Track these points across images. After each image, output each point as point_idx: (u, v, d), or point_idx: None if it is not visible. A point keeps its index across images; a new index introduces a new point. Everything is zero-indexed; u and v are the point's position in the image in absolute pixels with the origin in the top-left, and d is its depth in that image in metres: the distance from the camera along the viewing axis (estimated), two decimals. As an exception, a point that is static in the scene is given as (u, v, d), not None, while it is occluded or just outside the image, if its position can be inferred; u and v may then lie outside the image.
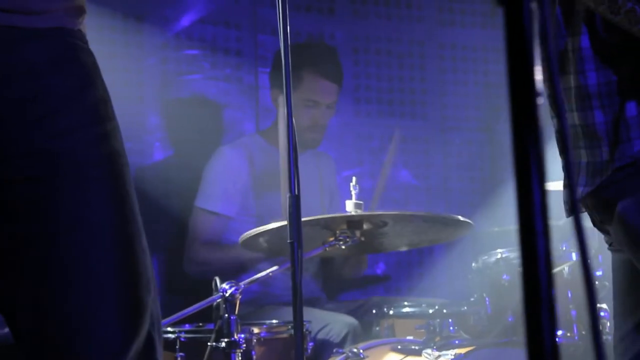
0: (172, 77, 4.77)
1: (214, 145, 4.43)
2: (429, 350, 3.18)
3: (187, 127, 4.74)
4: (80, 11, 1.80)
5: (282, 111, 4.33)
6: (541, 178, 0.98)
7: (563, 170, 2.26)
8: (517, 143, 0.99)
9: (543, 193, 0.97)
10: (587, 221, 3.39)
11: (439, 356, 3.13)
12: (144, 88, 4.70)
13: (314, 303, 4.27)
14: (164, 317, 3.32)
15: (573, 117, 2.21)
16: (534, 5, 0.98)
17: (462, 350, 3.10)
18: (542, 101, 1.00)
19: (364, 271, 4.52)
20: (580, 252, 0.99)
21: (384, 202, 5.02)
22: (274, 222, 3.38)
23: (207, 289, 3.36)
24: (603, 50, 2.16)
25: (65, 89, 1.72)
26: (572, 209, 2.26)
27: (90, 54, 1.79)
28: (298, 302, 2.87)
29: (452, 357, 3.06)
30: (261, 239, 3.49)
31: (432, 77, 5.31)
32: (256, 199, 4.31)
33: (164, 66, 4.75)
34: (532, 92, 0.99)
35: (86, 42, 1.80)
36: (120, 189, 1.74)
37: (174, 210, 4.57)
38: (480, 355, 3.12)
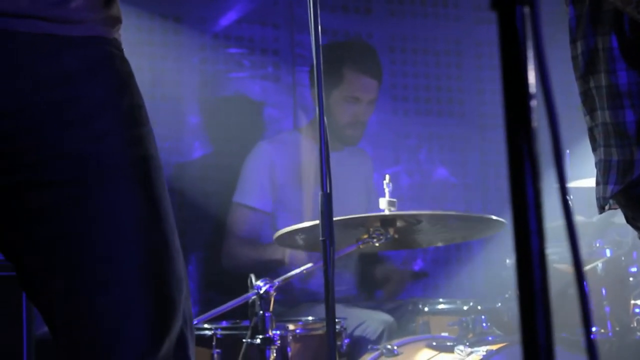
0: (211, 77, 4.82)
1: (253, 144, 4.47)
2: (461, 347, 3.20)
3: (225, 125, 4.79)
4: (116, 21, 1.85)
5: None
6: (535, 177, 1.00)
7: (596, 167, 2.27)
8: (511, 143, 1.02)
9: (537, 192, 1.00)
10: (621, 218, 3.40)
11: (471, 352, 3.15)
12: (183, 88, 4.75)
13: (351, 301, 4.29)
14: (203, 313, 3.37)
15: (604, 116, 2.22)
16: (526, 9, 1.00)
17: (494, 347, 3.11)
18: (536, 102, 1.03)
19: (399, 294, 4.52)
20: (571, 246, 1.01)
21: (421, 199, 5.05)
22: (310, 219, 3.42)
23: (244, 286, 3.41)
24: (632, 50, 2.17)
25: (99, 95, 1.76)
26: (603, 206, 2.27)
27: (125, 61, 1.83)
28: (330, 299, 2.91)
29: (484, 353, 3.08)
30: (296, 237, 3.53)
31: (469, 74, 5.32)
32: (294, 194, 4.34)
33: (203, 66, 4.80)
34: (525, 93, 1.02)
35: (121, 50, 1.84)
36: (152, 190, 1.77)
37: (213, 209, 4.62)
38: (511, 351, 3.13)
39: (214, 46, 4.80)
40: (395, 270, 4.56)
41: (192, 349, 1.80)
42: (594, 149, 2.29)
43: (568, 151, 4.05)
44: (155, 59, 4.64)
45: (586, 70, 2.26)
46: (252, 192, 4.34)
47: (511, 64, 1.02)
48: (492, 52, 5.35)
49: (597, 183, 2.29)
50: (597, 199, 2.31)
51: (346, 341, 3.54)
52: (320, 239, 2.84)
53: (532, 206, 1.00)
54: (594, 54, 2.23)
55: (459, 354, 3.18)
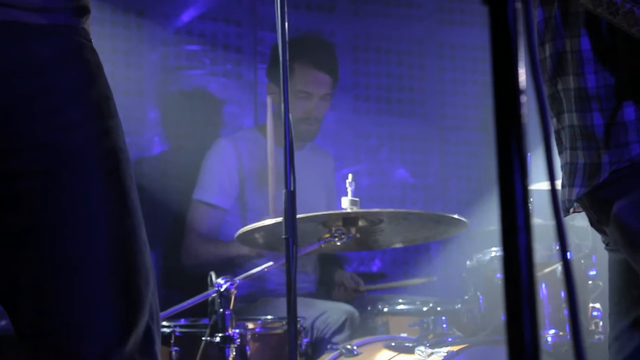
0: (172, 72, 4.79)
1: (213, 140, 4.45)
2: (422, 348, 3.19)
3: (186, 121, 4.76)
4: (85, 11, 1.84)
5: (271, 105, 4.34)
6: (523, 174, 0.99)
7: (561, 169, 2.28)
8: (500, 139, 1.01)
9: (525, 188, 0.99)
10: (584, 220, 3.42)
11: (432, 353, 3.15)
12: (144, 83, 4.72)
13: (309, 295, 4.28)
14: (161, 310, 3.33)
15: (572, 118, 2.22)
16: (518, 5, 0.99)
17: (455, 348, 3.11)
18: (526, 99, 1.02)
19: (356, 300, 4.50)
20: (560, 246, 1.00)
21: (381, 199, 5.04)
22: (270, 217, 3.40)
23: (204, 284, 3.38)
24: (604, 52, 2.17)
25: (70, 85, 1.75)
26: (568, 209, 2.28)
27: (94, 52, 1.83)
28: (292, 298, 2.89)
29: (445, 354, 3.08)
30: (257, 235, 3.50)
31: (431, 75, 5.33)
32: (252, 193, 4.32)
33: (165, 61, 4.76)
34: (515, 90, 1.01)
35: (90, 41, 1.84)
36: (122, 183, 1.77)
37: (172, 205, 4.59)
38: (472, 353, 3.13)
39: (176, 41, 4.77)
40: (351, 277, 4.53)
41: (159, 345, 1.80)
42: (560, 152, 2.30)
43: (529, 154, 4.06)
44: (117, 53, 4.60)
45: (554, 72, 2.26)
46: (211, 189, 4.32)
47: (502, 59, 1.01)
48: (454, 54, 5.37)
49: (563, 186, 2.30)
50: (562, 201, 2.31)
51: (305, 340, 3.53)
52: (283, 236, 2.83)
53: (520, 202, 0.99)
54: (562, 56, 2.23)
55: (419, 354, 3.18)
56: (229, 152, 4.35)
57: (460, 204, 5.13)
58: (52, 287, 1.70)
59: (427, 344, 3.21)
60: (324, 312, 3.93)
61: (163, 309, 3.51)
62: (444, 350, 3.10)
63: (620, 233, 2.17)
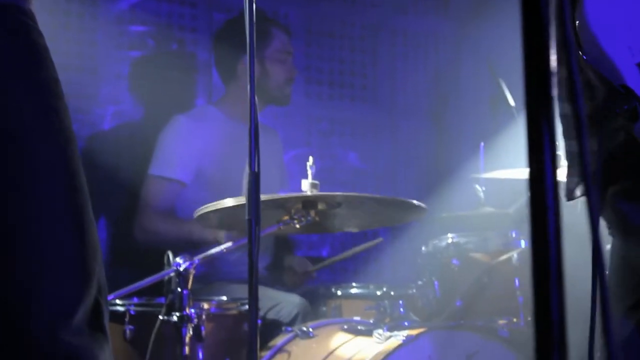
0: (125, 50, 4.74)
1: (166, 118, 4.41)
2: (380, 331, 3.21)
3: (139, 100, 4.72)
4: None
5: (244, 78, 4.33)
6: (553, 154, 1.00)
7: (566, 157, 2.30)
8: (531, 119, 1.01)
9: (554, 169, 1.00)
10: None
11: (390, 337, 3.16)
12: (97, 60, 4.66)
13: (261, 282, 4.26)
14: (112, 290, 3.31)
15: (564, 107, 2.24)
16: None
17: (414, 332, 3.13)
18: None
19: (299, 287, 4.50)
20: (592, 238, 1.01)
21: (331, 183, 5.05)
22: (227, 194, 3.38)
23: (155, 263, 3.36)
24: None
25: (17, 66, 1.75)
26: (571, 195, 2.30)
27: (40, 34, 1.84)
28: (254, 279, 2.89)
29: (404, 338, 3.09)
30: (214, 215, 3.49)
31: (383, 62, 5.35)
32: (210, 169, 4.30)
33: (119, 39, 4.72)
34: (546, 69, 1.02)
35: (36, 23, 1.84)
36: (69, 162, 1.78)
37: (123, 182, 4.55)
38: (431, 337, 3.16)
39: (130, 20, 4.73)
40: (299, 262, 4.53)
41: (107, 319, 1.81)
42: (567, 137, 2.32)
43: (482, 144, 4.11)
44: (70, 30, 4.54)
45: None
46: (168, 164, 4.28)
47: (533, 37, 1.01)
48: (407, 41, 5.40)
49: (570, 174, 2.31)
50: (567, 189, 2.33)
51: (258, 322, 3.52)
52: (246, 217, 2.82)
53: (550, 183, 1.00)
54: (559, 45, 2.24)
55: (377, 337, 3.19)
56: (187, 128, 4.32)
57: (410, 191, 5.15)
58: (2, 260, 1.70)
59: (385, 327, 3.22)
60: (276, 304, 3.91)
61: (112, 287, 3.48)
62: (402, 334, 3.12)
63: (615, 218, 2.21)
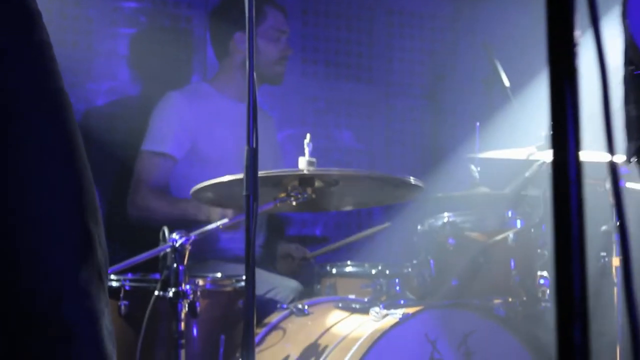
0: (121, 26, 4.72)
1: (161, 94, 4.39)
2: (376, 309, 3.21)
3: (134, 76, 4.70)
4: None
5: (239, 54, 4.32)
6: (576, 127, 1.00)
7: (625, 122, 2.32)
8: (554, 91, 1.01)
9: (578, 142, 1.00)
10: (538, 190, 3.46)
11: (387, 314, 3.17)
12: (92, 36, 4.64)
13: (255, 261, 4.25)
14: (110, 264, 3.29)
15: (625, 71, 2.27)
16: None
17: (410, 310, 3.13)
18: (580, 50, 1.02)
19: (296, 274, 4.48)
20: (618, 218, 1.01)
21: (326, 162, 5.04)
22: (220, 171, 3.37)
23: (150, 239, 3.36)
24: None
25: (10, 29, 1.74)
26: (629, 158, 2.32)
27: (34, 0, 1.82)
28: (251, 256, 2.88)
29: (400, 316, 3.10)
30: (210, 191, 3.48)
31: (379, 42, 5.34)
32: (202, 145, 4.28)
33: (113, 15, 4.69)
34: (570, 40, 1.01)
35: None
36: (67, 124, 1.77)
37: (118, 159, 4.54)
38: (428, 315, 3.16)
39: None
40: (296, 248, 4.52)
41: (107, 282, 1.80)
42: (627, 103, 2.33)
43: (478, 123, 4.11)
44: (66, 5, 4.52)
45: None
46: (161, 139, 4.26)
47: (557, 11, 1.01)
48: (403, 21, 5.38)
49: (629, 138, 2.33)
50: (626, 153, 2.35)
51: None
52: (244, 194, 2.81)
53: (572, 157, 1.00)
54: None
55: (374, 315, 3.19)
56: (180, 104, 4.31)
57: (405, 170, 5.14)
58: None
59: (382, 305, 3.23)
60: (272, 289, 3.90)
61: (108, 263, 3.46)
62: (399, 312, 3.12)
63: None
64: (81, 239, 1.74)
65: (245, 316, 2.87)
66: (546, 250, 3.56)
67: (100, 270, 1.76)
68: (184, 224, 4.03)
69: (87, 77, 4.62)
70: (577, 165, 1.00)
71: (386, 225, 4.22)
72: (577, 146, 1.00)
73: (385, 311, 3.18)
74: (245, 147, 2.82)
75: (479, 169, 3.85)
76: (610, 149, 1.00)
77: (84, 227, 1.74)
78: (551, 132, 1.01)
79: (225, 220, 3.30)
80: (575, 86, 1.00)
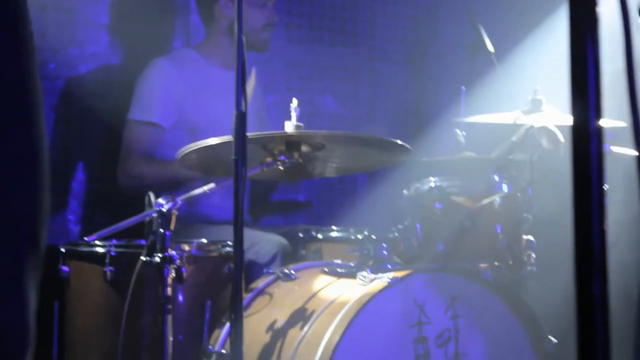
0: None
1: (144, 60, 4.35)
2: (364, 273, 3.20)
3: (116, 42, 4.66)
4: None
5: (225, 19, 4.28)
6: (597, 77, 0.98)
7: None
8: (575, 41, 0.99)
9: (598, 93, 0.98)
10: (524, 155, 3.44)
11: (375, 279, 3.16)
12: (74, 1, 4.59)
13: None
14: (86, 231, 3.27)
15: None
16: None
17: (399, 274, 3.13)
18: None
19: None
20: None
21: (310, 127, 5.02)
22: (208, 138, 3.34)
23: (135, 205, 3.33)
24: None
25: None
26: None
27: None
28: (239, 219, 2.87)
29: (389, 280, 3.09)
30: (195, 156, 3.44)
31: (363, 7, 5.31)
32: (190, 112, 4.25)
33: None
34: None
35: None
36: (28, 75, 1.71)
37: (102, 125, 4.50)
38: (416, 279, 3.16)
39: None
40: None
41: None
42: None
43: (464, 88, 4.09)
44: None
45: None
46: (148, 108, 4.22)
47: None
48: (386, -15, 5.36)
49: None
50: None
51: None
52: (233, 157, 2.80)
53: (593, 107, 0.98)
54: None
55: (361, 279, 3.19)
56: (167, 71, 4.26)
57: (389, 136, 5.13)
58: None
59: (369, 269, 3.22)
60: (254, 244, 3.86)
61: (88, 230, 3.45)
62: (387, 276, 3.11)
63: None
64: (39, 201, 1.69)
65: (234, 280, 2.87)
66: (530, 215, 3.56)
67: (38, 272, 1.72)
68: (178, 185, 4.00)
69: (69, 42, 4.56)
70: (598, 116, 0.99)
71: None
72: (597, 97, 0.99)
73: (373, 275, 3.17)
74: (234, 112, 2.80)
75: (464, 133, 3.84)
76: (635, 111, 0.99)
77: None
78: (570, 84, 0.99)
79: (212, 185, 3.27)
80: (597, 38, 0.98)
